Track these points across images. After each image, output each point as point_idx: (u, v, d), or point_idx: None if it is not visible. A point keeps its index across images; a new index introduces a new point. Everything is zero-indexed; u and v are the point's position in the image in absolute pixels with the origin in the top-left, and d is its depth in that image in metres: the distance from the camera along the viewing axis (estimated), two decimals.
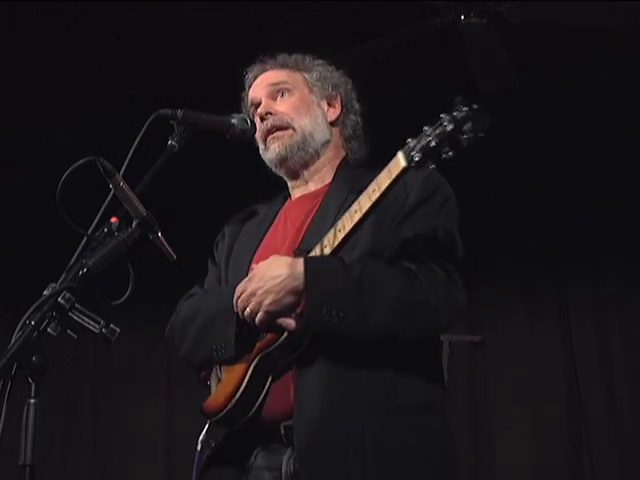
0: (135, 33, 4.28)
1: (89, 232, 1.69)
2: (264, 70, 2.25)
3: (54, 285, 1.59)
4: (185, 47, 4.43)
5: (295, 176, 2.22)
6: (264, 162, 2.25)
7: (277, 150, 2.16)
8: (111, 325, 1.59)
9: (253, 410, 1.92)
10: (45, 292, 1.58)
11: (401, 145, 1.81)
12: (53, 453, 5.47)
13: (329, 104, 2.23)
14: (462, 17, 4.04)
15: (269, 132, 2.18)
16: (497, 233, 5.17)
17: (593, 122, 5.03)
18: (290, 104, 2.18)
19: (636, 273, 5.13)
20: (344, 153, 2.24)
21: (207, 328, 2.05)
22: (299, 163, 2.18)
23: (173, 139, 1.92)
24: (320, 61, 2.28)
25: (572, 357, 5.14)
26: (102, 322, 1.59)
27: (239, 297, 1.95)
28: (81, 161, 1.66)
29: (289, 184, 2.26)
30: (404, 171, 1.80)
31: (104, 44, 4.35)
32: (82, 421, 5.76)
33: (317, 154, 2.18)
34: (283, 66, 2.24)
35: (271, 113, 2.17)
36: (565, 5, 3.96)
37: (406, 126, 1.81)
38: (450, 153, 1.73)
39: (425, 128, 1.76)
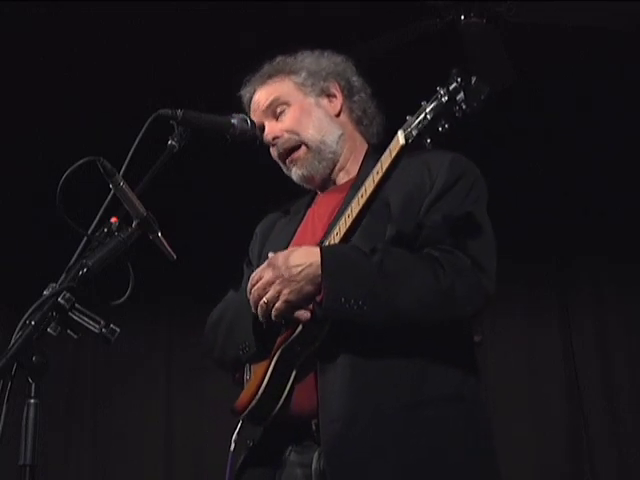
0: (135, 33, 4.27)
1: (89, 232, 1.69)
2: (253, 91, 2.21)
3: (54, 285, 1.59)
4: (185, 47, 4.43)
5: (325, 183, 2.21)
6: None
7: (300, 172, 2.15)
8: (111, 325, 1.58)
9: (278, 406, 1.90)
10: (45, 292, 1.58)
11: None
12: (53, 453, 5.46)
13: (328, 96, 2.19)
14: (462, 17, 4.03)
15: (282, 156, 2.17)
16: (496, 233, 5.15)
17: (593, 122, 5.03)
18: (292, 118, 2.15)
19: (636, 273, 5.13)
20: (362, 138, 2.21)
21: (232, 328, 2.04)
22: (325, 173, 2.17)
23: (173, 139, 1.91)
24: (303, 55, 2.23)
25: (572, 357, 5.14)
26: (102, 322, 1.58)
27: (254, 285, 1.92)
28: (81, 161, 1.66)
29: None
30: (403, 149, 1.78)
31: (104, 43, 4.34)
32: (82, 421, 5.76)
33: (335, 154, 2.16)
34: (270, 77, 2.19)
35: (277, 136, 2.15)
36: (565, 5, 3.97)
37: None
38: (446, 126, 1.70)
39: (423, 103, 1.74)
